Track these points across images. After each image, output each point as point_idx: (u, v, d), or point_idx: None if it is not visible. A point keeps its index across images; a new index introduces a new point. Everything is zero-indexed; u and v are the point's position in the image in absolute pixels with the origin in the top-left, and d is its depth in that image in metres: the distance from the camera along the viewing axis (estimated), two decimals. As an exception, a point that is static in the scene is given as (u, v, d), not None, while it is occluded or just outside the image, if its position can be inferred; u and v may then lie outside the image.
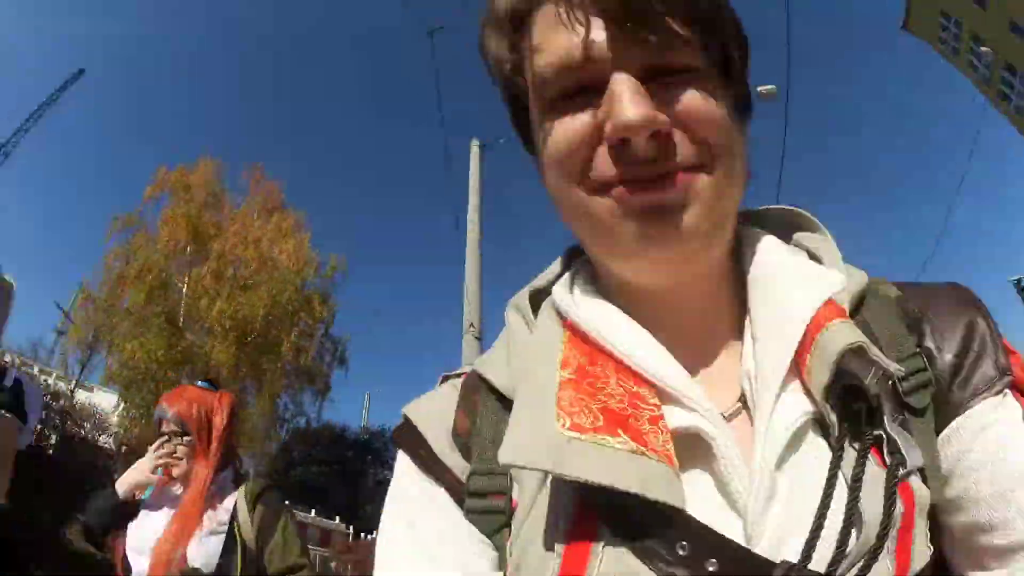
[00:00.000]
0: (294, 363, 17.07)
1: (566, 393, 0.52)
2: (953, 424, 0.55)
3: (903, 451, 0.49)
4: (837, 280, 0.59)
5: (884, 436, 0.50)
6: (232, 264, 16.70)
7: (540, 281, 0.68)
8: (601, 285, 0.64)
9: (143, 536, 2.12)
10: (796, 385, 0.54)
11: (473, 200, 13.22)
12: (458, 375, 0.67)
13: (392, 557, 0.58)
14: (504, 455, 0.49)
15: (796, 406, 0.53)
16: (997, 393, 0.55)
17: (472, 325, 12.37)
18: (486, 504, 0.56)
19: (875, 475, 0.49)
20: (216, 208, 17.87)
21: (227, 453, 2.29)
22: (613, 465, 0.47)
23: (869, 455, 0.50)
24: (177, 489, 2.23)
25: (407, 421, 0.63)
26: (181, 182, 17.75)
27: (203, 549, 2.07)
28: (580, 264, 0.67)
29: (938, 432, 0.55)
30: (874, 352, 0.51)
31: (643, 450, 0.48)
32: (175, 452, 2.20)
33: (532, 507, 0.53)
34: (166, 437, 2.23)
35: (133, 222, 17.17)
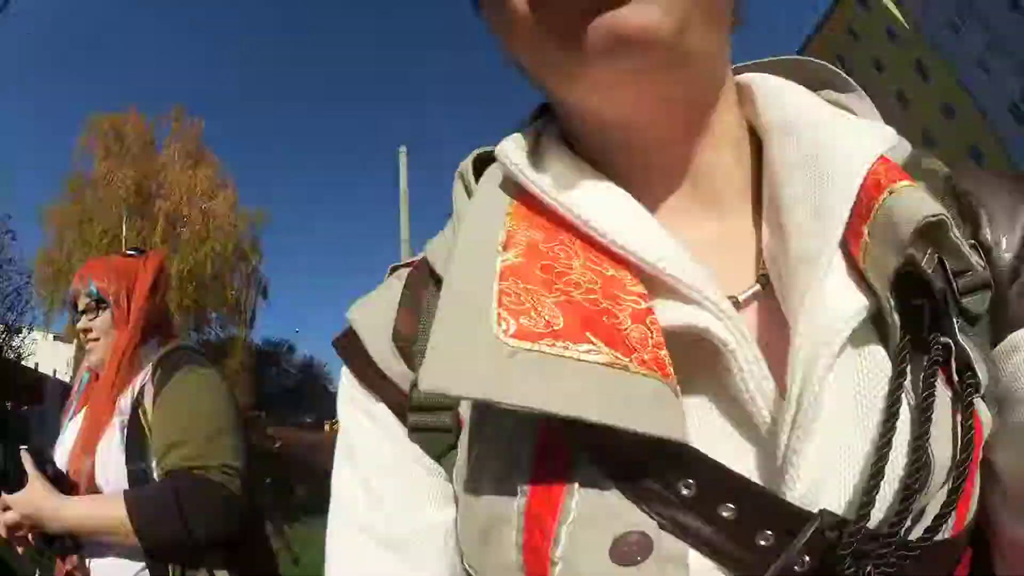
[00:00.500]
0: (233, 304, 20.57)
1: (510, 284, 0.37)
2: (1012, 339, 0.41)
3: (976, 368, 0.38)
4: (890, 133, 0.44)
5: (953, 346, 0.38)
6: (177, 222, 19.46)
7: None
8: (570, 142, 0.48)
9: (59, 455, 1.50)
10: (842, 266, 0.39)
11: (403, 206, 16.85)
12: (407, 264, 0.54)
13: (338, 496, 0.49)
14: (425, 379, 0.35)
15: (850, 296, 0.38)
16: None
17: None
18: (431, 420, 0.45)
19: (943, 399, 0.38)
20: (149, 160, 20.15)
21: (155, 322, 1.61)
22: (578, 386, 0.33)
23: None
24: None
25: (349, 327, 0.51)
26: (113, 131, 19.85)
27: (110, 450, 1.40)
28: (547, 119, 0.51)
29: (992, 346, 0.42)
30: (955, 234, 0.39)
31: (624, 361, 0.34)
32: (91, 331, 1.58)
33: (481, 427, 0.41)
34: (79, 317, 1.61)
35: (79, 184, 19.31)
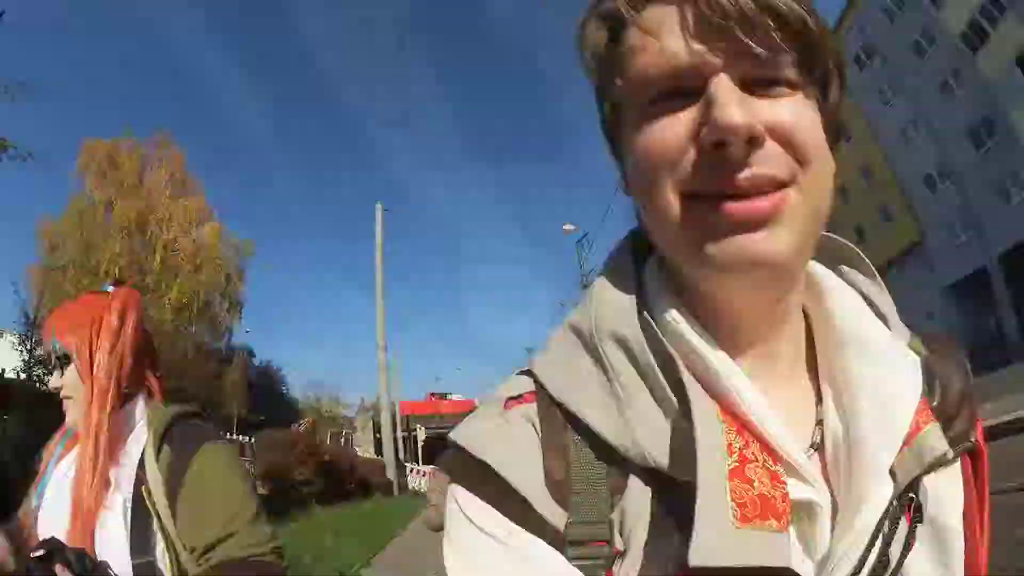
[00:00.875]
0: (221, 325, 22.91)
1: (734, 484, 0.51)
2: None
3: (923, 511, 0.57)
4: (919, 372, 0.59)
5: (915, 500, 0.57)
6: (174, 252, 21.43)
7: (619, 299, 0.61)
8: (675, 289, 0.60)
9: (45, 524, 1.26)
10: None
11: (378, 257, 19.83)
12: (519, 396, 0.61)
13: None
14: (696, 558, 0.48)
15: (885, 493, 0.55)
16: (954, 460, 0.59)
17: (383, 348, 21.33)
18: (587, 551, 0.55)
19: (901, 530, 0.56)
20: (139, 187, 21.88)
21: (131, 374, 1.33)
22: (767, 548, 0.49)
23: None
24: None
25: (485, 466, 0.56)
26: (107, 158, 21.54)
27: (110, 538, 1.17)
28: (652, 271, 0.62)
29: None
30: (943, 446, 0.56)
31: (781, 529, 0.50)
32: (61, 390, 1.33)
33: (644, 551, 0.54)
34: (50, 374, 1.39)
35: (82, 208, 20.96)
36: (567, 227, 24.85)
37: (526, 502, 0.55)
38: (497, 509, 0.56)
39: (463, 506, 0.58)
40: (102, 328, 1.33)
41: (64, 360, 1.32)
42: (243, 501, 1.25)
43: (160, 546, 1.19)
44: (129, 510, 1.19)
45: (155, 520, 1.19)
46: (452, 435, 0.59)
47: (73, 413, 1.32)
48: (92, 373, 1.29)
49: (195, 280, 21.47)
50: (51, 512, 1.26)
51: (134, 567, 1.15)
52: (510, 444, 0.57)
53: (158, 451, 1.24)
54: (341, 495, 16.99)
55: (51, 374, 1.37)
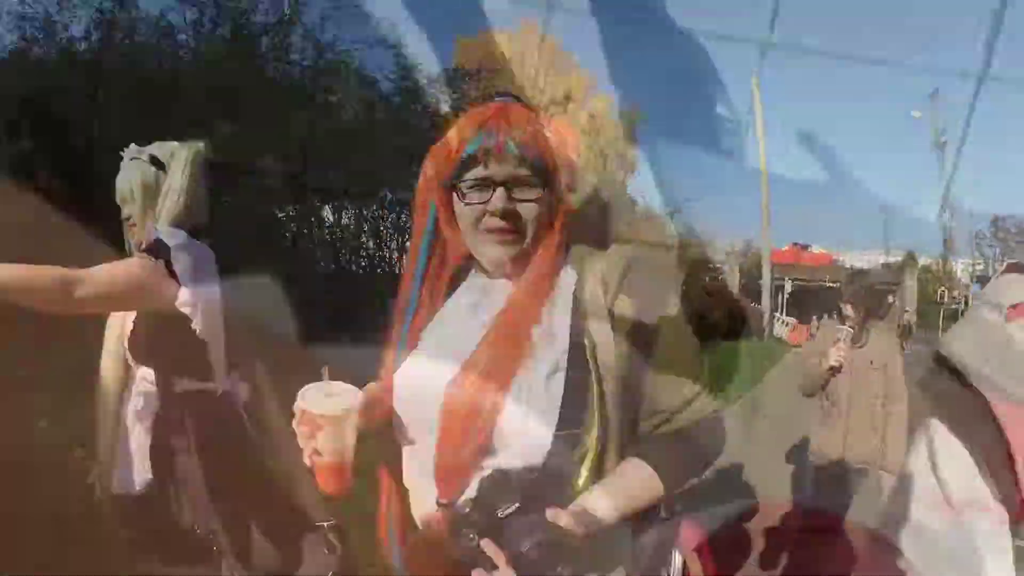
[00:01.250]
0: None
1: None
2: None
3: None
4: None
5: None
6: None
7: None
8: None
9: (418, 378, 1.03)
10: None
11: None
12: (1019, 305, 0.57)
13: None
14: None
15: None
16: None
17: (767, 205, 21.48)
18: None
19: None
20: (518, 74, 23.18)
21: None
22: None
23: None
24: (498, 289, 1.05)
25: (976, 393, 0.54)
26: (485, 54, 23.45)
27: (529, 394, 0.93)
28: None
29: None
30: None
31: None
32: (517, 218, 0.99)
33: None
34: (491, 187, 0.98)
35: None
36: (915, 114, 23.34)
37: (1007, 447, 0.48)
38: (972, 455, 0.52)
39: (937, 448, 0.54)
40: (560, 163, 1.01)
41: (534, 180, 0.98)
42: (699, 352, 1.08)
43: (593, 412, 0.94)
44: (564, 368, 0.95)
45: (595, 383, 0.94)
46: (946, 349, 0.53)
47: (504, 252, 1.01)
48: (558, 214, 1.02)
49: (594, 149, 22.49)
50: (430, 361, 1.02)
51: (555, 439, 0.92)
52: (1015, 366, 0.51)
53: (614, 297, 0.98)
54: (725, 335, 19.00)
55: (495, 188, 0.98)
